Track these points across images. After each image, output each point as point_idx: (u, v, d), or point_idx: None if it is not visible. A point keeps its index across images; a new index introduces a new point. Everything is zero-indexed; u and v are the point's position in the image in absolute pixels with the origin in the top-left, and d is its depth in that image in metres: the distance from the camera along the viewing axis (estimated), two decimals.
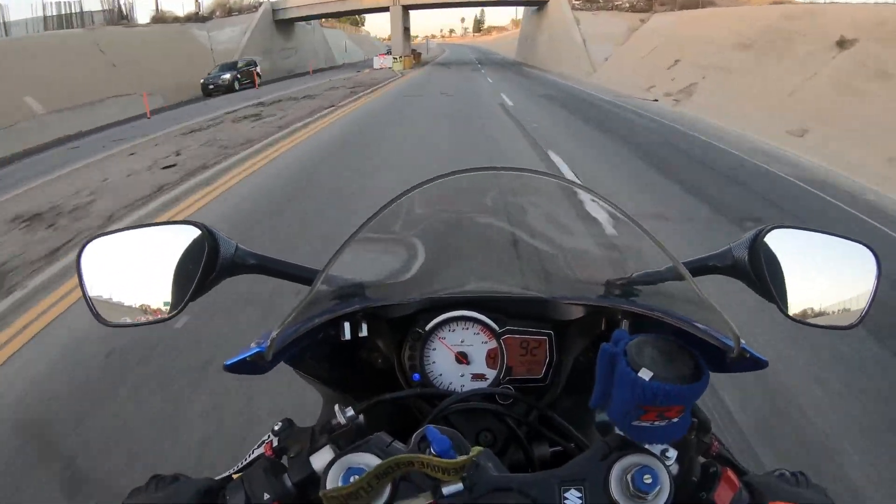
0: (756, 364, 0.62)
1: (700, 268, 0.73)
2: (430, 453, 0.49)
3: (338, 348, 0.69)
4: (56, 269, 3.85)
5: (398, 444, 0.53)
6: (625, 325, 0.70)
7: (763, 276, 0.69)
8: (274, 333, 0.56)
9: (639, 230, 0.61)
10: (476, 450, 0.48)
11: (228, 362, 0.61)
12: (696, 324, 0.62)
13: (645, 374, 0.50)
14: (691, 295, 0.61)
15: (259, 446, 0.70)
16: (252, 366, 0.60)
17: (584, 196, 0.67)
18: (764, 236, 0.71)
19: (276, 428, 0.65)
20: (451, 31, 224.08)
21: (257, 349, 0.59)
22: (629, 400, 0.51)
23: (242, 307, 2.95)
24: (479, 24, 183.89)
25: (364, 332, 0.68)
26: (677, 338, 0.54)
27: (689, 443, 0.55)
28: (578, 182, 0.63)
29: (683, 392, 0.49)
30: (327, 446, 0.58)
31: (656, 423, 0.51)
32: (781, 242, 0.72)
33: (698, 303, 0.60)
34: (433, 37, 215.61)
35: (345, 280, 0.73)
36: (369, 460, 0.50)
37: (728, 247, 0.73)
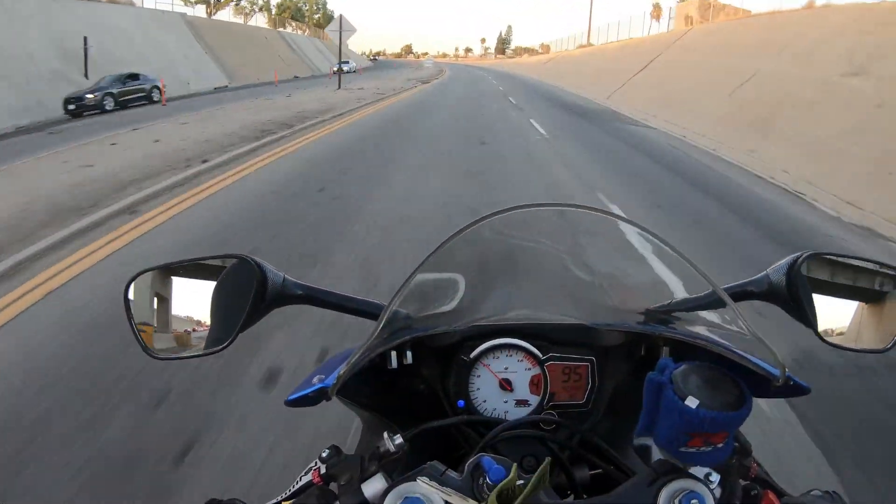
0: (798, 391, 0.63)
1: (737, 294, 0.75)
2: (484, 482, 0.50)
3: (382, 376, 0.70)
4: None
5: (452, 473, 0.54)
6: (665, 352, 0.72)
7: (800, 302, 0.71)
8: (342, 370, 0.57)
9: (680, 259, 0.62)
10: (531, 484, 0.49)
11: (290, 397, 0.63)
12: (739, 352, 0.64)
13: (692, 403, 0.51)
14: (732, 321, 0.63)
15: (306, 473, 0.71)
16: (312, 400, 0.62)
17: (626, 227, 0.69)
18: (801, 262, 0.72)
19: (324, 455, 0.66)
20: (468, 50, 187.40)
21: (320, 385, 0.61)
22: (676, 427, 0.52)
23: None
24: (503, 44, 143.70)
25: (409, 360, 0.70)
26: (719, 364, 0.56)
27: (731, 466, 0.57)
28: (624, 216, 0.65)
29: (729, 419, 0.51)
30: (378, 474, 0.59)
31: (702, 448, 0.52)
32: (817, 268, 0.74)
33: (740, 329, 0.62)
34: (446, 56, 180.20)
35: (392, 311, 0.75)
36: (425, 490, 0.51)
37: (765, 273, 0.75)
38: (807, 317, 0.71)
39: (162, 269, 0.69)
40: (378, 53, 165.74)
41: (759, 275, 0.75)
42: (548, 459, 0.52)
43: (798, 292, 0.71)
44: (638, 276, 0.76)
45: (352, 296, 0.75)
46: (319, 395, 0.61)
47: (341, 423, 1.67)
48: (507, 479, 0.49)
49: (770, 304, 0.74)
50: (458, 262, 0.64)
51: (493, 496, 0.48)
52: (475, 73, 44.49)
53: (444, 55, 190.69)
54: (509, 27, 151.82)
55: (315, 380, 0.65)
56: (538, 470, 0.50)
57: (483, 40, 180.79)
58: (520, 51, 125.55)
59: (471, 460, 0.54)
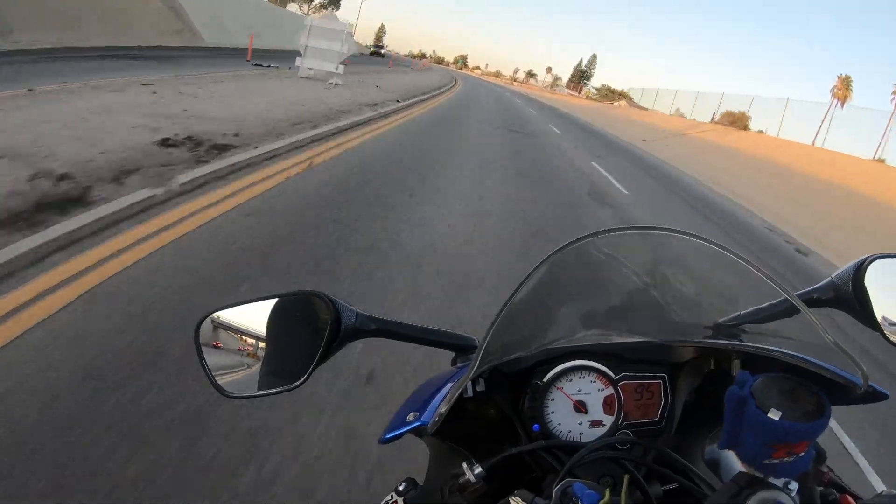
0: (877, 397, 0.62)
1: (804, 301, 0.75)
2: None
3: (456, 405, 0.70)
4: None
5: (540, 501, 0.55)
6: (737, 365, 0.72)
7: (868, 306, 0.71)
8: (443, 409, 0.58)
9: (750, 269, 0.62)
10: None
11: (386, 436, 0.63)
12: (817, 361, 0.63)
13: (774, 415, 0.52)
14: (804, 329, 0.63)
15: None
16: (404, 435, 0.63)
17: (693, 240, 0.68)
18: (866, 267, 0.72)
19: (400, 488, 0.66)
20: (531, 74, 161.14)
21: (418, 423, 0.61)
22: (761, 440, 0.53)
23: None
24: (582, 77, 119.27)
25: (482, 388, 0.70)
26: (794, 374, 0.56)
27: (808, 473, 0.57)
28: (689, 232, 0.65)
29: (811, 429, 0.52)
30: None
31: (785, 459, 0.53)
32: (883, 271, 0.73)
33: (815, 338, 0.62)
34: (499, 77, 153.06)
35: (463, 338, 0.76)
36: None
37: (829, 279, 0.75)
38: (875, 321, 0.71)
39: (231, 308, 0.70)
40: (419, 55, 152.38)
41: (824, 281, 0.76)
42: (627, 478, 0.52)
43: (866, 297, 0.71)
44: (705, 290, 0.76)
45: (426, 327, 0.76)
46: (417, 433, 0.62)
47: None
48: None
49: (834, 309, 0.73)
50: (528, 289, 0.64)
51: None
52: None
53: (498, 74, 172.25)
54: (594, 57, 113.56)
55: (410, 417, 0.65)
56: (623, 490, 0.51)
57: (549, 69, 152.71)
58: (609, 93, 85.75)
59: (558, 486, 0.54)
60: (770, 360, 0.69)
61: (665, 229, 0.67)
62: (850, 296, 0.72)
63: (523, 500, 0.54)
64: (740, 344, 0.72)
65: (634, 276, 0.77)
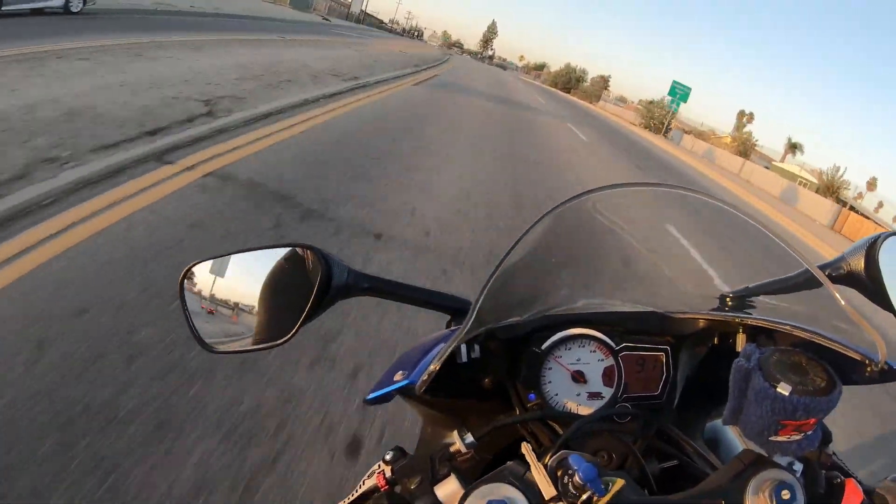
0: (893, 375, 0.60)
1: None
2: (570, 481, 0.48)
3: (449, 370, 0.67)
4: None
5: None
6: (742, 339, 0.69)
7: (880, 284, 0.69)
8: (432, 367, 0.55)
9: (770, 237, 0.60)
10: (619, 482, 0.48)
11: (371, 396, 0.60)
12: (830, 336, 0.61)
13: (784, 389, 0.50)
14: (818, 303, 0.61)
15: (370, 476, 0.68)
16: (391, 397, 0.60)
17: (708, 202, 0.65)
18: (880, 244, 0.70)
19: (388, 457, 0.63)
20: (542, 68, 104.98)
21: (406, 382, 0.58)
22: (768, 415, 0.51)
23: None
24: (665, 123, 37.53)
25: (477, 354, 0.67)
26: (801, 348, 0.54)
27: (814, 455, 0.55)
28: (705, 193, 0.62)
29: (822, 404, 0.50)
30: (451, 476, 0.57)
31: (793, 436, 0.51)
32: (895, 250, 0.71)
33: (826, 312, 0.60)
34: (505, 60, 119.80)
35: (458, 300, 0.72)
36: (508, 492, 0.48)
37: (841, 255, 0.73)
38: (887, 299, 0.69)
39: (219, 258, 0.67)
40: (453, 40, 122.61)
41: (836, 258, 0.73)
42: (621, 482, 0.50)
43: (878, 275, 0.69)
44: (713, 259, 0.73)
45: (420, 286, 0.72)
46: (401, 394, 0.59)
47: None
48: (611, 494, 0.47)
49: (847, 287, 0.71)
50: (527, 250, 0.61)
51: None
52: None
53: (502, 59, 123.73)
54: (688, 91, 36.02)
55: (397, 376, 0.62)
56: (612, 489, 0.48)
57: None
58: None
59: (553, 457, 0.52)
60: (777, 336, 0.67)
61: (677, 187, 0.64)
62: (861, 273, 0.70)
63: (516, 470, 0.51)
64: (747, 316, 0.70)
65: (636, 242, 0.74)
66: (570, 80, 74.91)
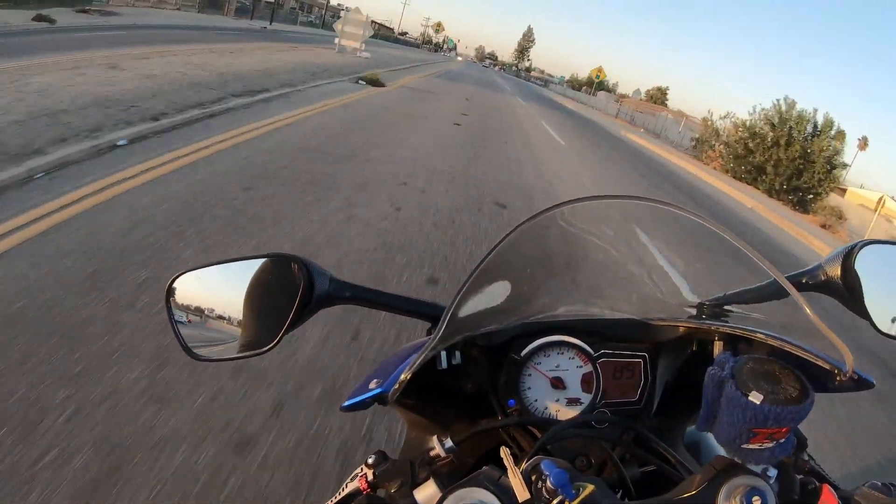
0: (862, 385, 0.61)
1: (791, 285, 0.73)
2: (543, 486, 0.49)
3: (429, 377, 0.68)
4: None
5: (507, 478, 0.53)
6: (719, 346, 0.70)
7: (857, 293, 0.69)
8: (403, 376, 0.56)
9: (738, 247, 0.60)
10: (590, 487, 0.48)
11: (347, 403, 0.61)
12: (801, 345, 0.62)
13: (755, 398, 0.50)
14: (790, 312, 0.61)
15: (352, 480, 0.69)
16: (367, 405, 0.61)
17: (676, 213, 0.67)
18: (857, 253, 0.70)
19: (370, 461, 0.64)
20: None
21: (379, 391, 0.59)
22: (740, 423, 0.51)
23: None
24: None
25: (457, 360, 0.68)
26: (778, 358, 0.55)
27: (789, 461, 0.55)
28: (676, 205, 0.63)
29: (794, 413, 0.50)
30: (430, 480, 0.58)
31: (765, 444, 0.51)
32: (873, 258, 0.71)
33: (803, 321, 0.60)
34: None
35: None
36: (483, 496, 0.49)
37: (818, 264, 0.73)
38: (863, 308, 0.70)
39: (204, 268, 0.68)
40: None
41: (813, 266, 0.74)
42: (591, 488, 0.50)
43: (855, 283, 0.70)
44: (689, 268, 0.74)
45: (401, 295, 0.73)
46: (377, 401, 0.60)
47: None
48: (580, 498, 0.48)
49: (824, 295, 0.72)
50: (506, 260, 0.62)
51: None
52: None
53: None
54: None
55: (372, 384, 0.63)
56: (582, 493, 0.49)
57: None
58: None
59: (528, 462, 0.53)
60: (754, 344, 0.67)
61: (650, 200, 0.64)
62: (838, 282, 0.71)
63: (490, 475, 0.52)
64: (723, 324, 0.70)
65: (614, 251, 0.75)
66: None
